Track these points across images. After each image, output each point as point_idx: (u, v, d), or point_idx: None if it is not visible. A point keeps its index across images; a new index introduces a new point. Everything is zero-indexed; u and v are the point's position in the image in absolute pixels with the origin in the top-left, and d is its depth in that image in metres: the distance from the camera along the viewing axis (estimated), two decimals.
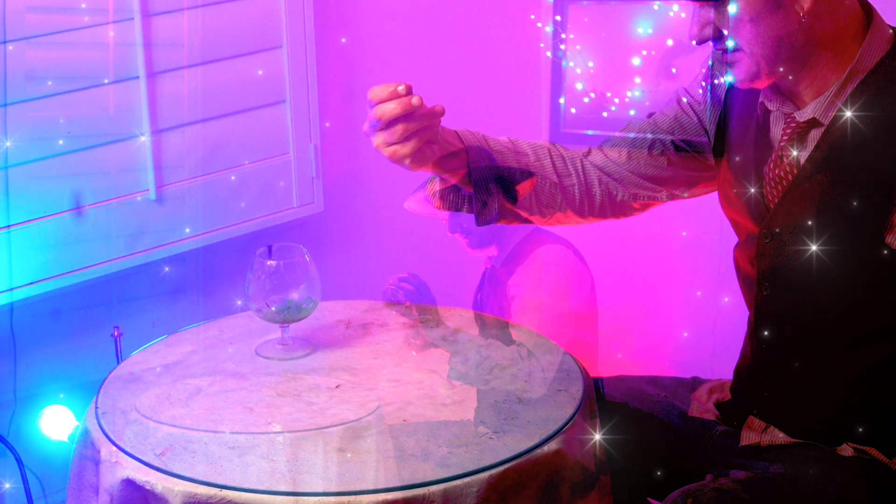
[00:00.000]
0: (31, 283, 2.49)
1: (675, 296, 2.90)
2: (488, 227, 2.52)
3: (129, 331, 2.45)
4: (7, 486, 2.48)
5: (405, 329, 1.87)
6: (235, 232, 2.86)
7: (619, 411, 1.73)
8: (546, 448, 1.41)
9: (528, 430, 1.45)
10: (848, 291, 1.50)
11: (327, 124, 3.03)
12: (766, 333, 1.60)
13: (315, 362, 1.71)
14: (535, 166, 1.65)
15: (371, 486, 1.30)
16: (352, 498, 1.29)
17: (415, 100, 1.40)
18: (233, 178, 2.83)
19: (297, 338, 1.78)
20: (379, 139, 1.43)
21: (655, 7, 2.69)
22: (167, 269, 2.72)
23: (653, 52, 2.67)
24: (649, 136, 1.70)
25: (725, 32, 1.46)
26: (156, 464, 1.36)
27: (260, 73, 2.85)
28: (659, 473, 1.71)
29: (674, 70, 2.62)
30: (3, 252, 2.43)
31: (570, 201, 1.70)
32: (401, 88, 1.40)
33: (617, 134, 1.73)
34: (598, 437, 1.56)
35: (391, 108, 1.39)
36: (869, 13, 1.48)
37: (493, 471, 1.35)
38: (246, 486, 1.31)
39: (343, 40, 3.01)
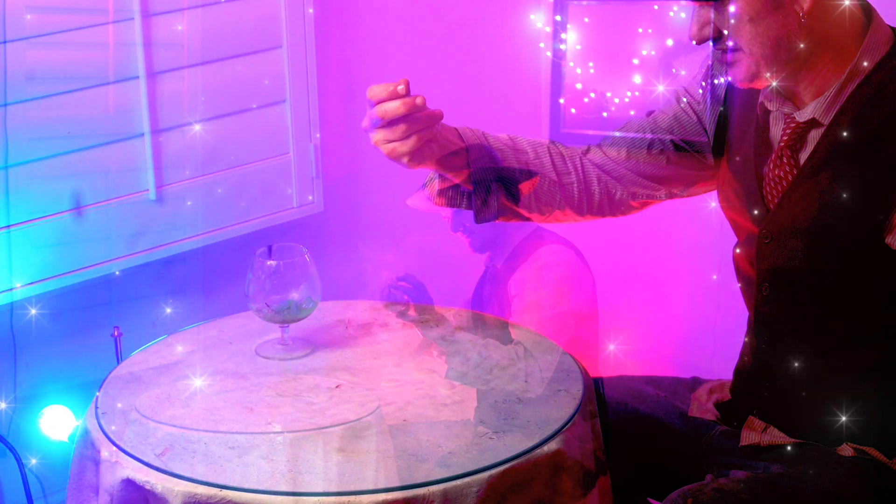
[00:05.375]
0: (31, 283, 2.49)
1: (675, 296, 2.90)
2: (490, 228, 2.54)
3: (129, 331, 2.45)
4: (6, 485, 2.48)
5: (405, 329, 1.87)
6: (235, 232, 2.86)
7: (619, 411, 1.73)
8: (546, 448, 1.41)
9: (528, 429, 1.44)
10: (848, 292, 1.50)
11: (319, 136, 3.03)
12: (765, 333, 1.60)
13: (315, 362, 1.71)
14: (535, 164, 1.66)
15: (371, 486, 1.30)
16: (352, 498, 1.29)
17: (419, 99, 1.40)
18: (233, 178, 2.83)
19: (297, 338, 1.78)
20: (379, 136, 1.43)
21: (655, 7, 2.69)
22: (167, 269, 2.72)
23: (653, 52, 2.67)
24: (648, 135, 1.70)
25: (725, 32, 1.46)
26: (156, 464, 1.37)
27: (260, 73, 2.85)
28: (659, 473, 1.71)
29: (674, 70, 2.62)
30: (3, 252, 2.43)
31: (569, 199, 1.70)
32: (400, 88, 1.40)
33: (616, 132, 1.73)
34: (597, 437, 1.56)
35: (394, 107, 1.39)
36: (868, 13, 1.48)
37: (493, 471, 1.35)
38: (246, 486, 1.31)
39: (359, 49, 3.01)
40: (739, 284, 1.69)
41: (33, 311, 2.52)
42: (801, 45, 1.45)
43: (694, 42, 1.51)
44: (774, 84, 1.52)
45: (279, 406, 1.54)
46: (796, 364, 1.57)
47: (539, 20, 2.87)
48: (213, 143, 2.77)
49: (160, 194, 2.68)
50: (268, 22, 2.85)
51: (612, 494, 1.56)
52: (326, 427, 1.47)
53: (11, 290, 2.46)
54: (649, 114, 1.74)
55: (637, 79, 2.68)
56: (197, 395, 1.58)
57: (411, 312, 1.96)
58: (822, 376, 1.55)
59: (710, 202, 1.77)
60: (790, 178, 1.52)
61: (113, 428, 1.47)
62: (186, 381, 1.64)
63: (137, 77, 2.58)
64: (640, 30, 2.69)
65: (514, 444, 1.41)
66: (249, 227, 2.89)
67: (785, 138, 1.53)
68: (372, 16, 3.12)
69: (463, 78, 3.04)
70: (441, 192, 1.65)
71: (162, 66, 2.62)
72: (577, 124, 2.90)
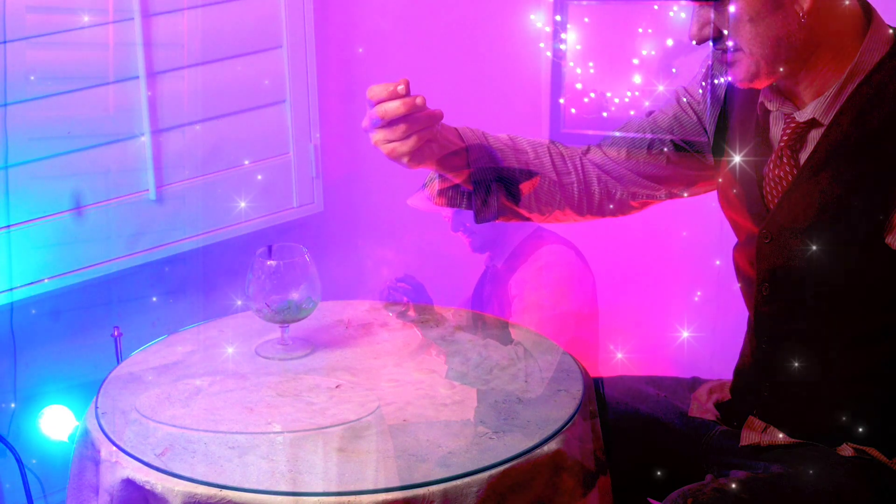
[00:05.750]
0: (31, 283, 2.49)
1: (675, 296, 2.90)
2: (491, 228, 2.54)
3: (129, 331, 2.45)
4: (7, 485, 2.48)
5: (405, 329, 1.87)
6: (235, 232, 2.86)
7: (619, 411, 1.73)
8: (546, 448, 1.41)
9: (527, 429, 1.45)
10: (848, 292, 1.50)
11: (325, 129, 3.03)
12: (765, 333, 1.60)
13: (315, 362, 1.71)
14: (535, 164, 1.66)
15: (371, 486, 1.30)
16: (352, 498, 1.29)
17: (419, 100, 1.40)
18: (233, 178, 2.83)
19: (297, 338, 1.78)
20: (379, 136, 1.43)
21: (655, 7, 2.69)
22: (167, 269, 2.72)
23: (653, 52, 2.67)
24: (648, 135, 1.70)
25: (725, 32, 1.46)
26: (156, 464, 1.37)
27: (260, 73, 2.85)
28: (659, 473, 1.71)
29: (674, 70, 2.62)
30: (3, 252, 2.43)
31: (569, 199, 1.70)
32: (400, 88, 1.40)
33: (616, 132, 1.73)
34: (597, 437, 1.56)
35: (395, 107, 1.39)
36: (869, 13, 1.48)
37: (493, 471, 1.35)
38: (246, 486, 1.31)
39: (360, 50, 3.02)
40: (739, 284, 1.69)
41: (33, 311, 2.52)
42: (801, 45, 1.45)
43: (694, 42, 1.51)
44: (774, 84, 1.52)
45: (279, 406, 1.54)
46: (796, 364, 1.57)
47: (539, 20, 2.87)
48: (213, 143, 2.77)
49: (160, 194, 2.68)
50: (268, 22, 2.85)
51: (612, 494, 1.56)
52: (326, 427, 1.47)
53: (11, 290, 2.46)
54: (649, 114, 1.74)
55: (637, 79, 2.68)
56: (197, 395, 1.58)
57: (411, 312, 1.96)
58: (822, 376, 1.55)
59: (711, 202, 1.77)
60: (790, 178, 1.52)
61: (113, 428, 1.47)
62: (186, 381, 1.63)
63: (137, 77, 2.58)
64: (640, 30, 2.69)
65: (514, 444, 1.41)
66: (249, 227, 2.89)
67: (785, 138, 1.53)
68: (372, 16, 3.12)
69: (463, 78, 3.04)
70: (441, 192, 1.65)
71: (162, 66, 2.62)
72: (577, 124, 2.90)
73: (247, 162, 2.86)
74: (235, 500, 1.30)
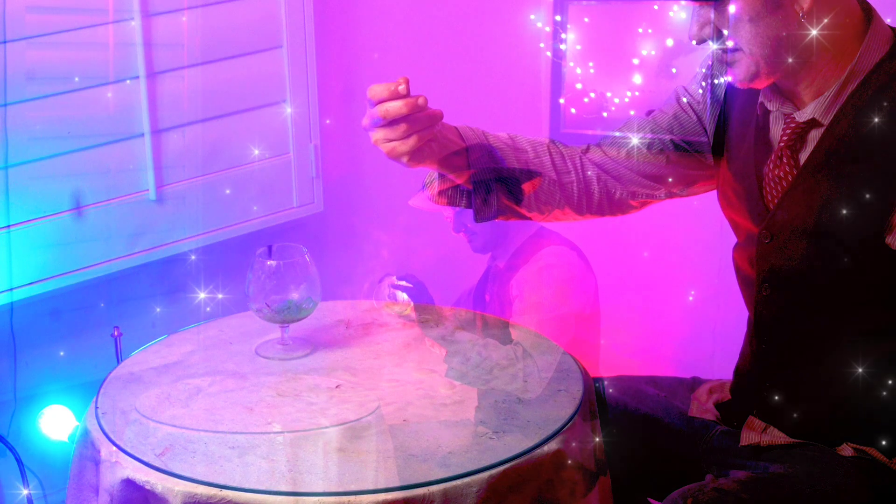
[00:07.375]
0: (31, 283, 2.49)
1: (675, 296, 2.90)
2: (493, 228, 2.54)
3: (129, 331, 2.45)
4: (6, 485, 2.48)
5: (405, 329, 1.87)
6: (235, 232, 2.86)
7: (619, 411, 1.73)
8: (546, 448, 1.41)
9: (527, 430, 1.45)
10: (847, 292, 1.50)
11: (328, 121, 3.03)
12: (765, 334, 1.60)
13: (315, 362, 1.71)
14: (535, 163, 1.66)
15: (371, 486, 1.30)
16: (352, 498, 1.29)
17: (420, 100, 1.40)
18: (233, 178, 2.83)
19: (297, 338, 1.78)
20: (379, 135, 1.43)
21: (655, 7, 2.69)
22: (167, 269, 2.72)
23: (653, 52, 2.67)
24: (648, 134, 1.70)
25: (725, 32, 1.46)
26: (156, 464, 1.37)
27: (260, 73, 2.85)
28: (659, 473, 1.71)
29: (674, 70, 2.62)
30: (3, 252, 2.43)
31: (569, 198, 1.70)
32: (401, 88, 1.39)
33: (616, 132, 1.73)
34: (597, 437, 1.56)
35: (396, 107, 1.39)
36: (868, 13, 1.48)
37: (493, 471, 1.35)
38: (246, 486, 1.31)
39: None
40: (739, 284, 1.69)
41: (33, 311, 2.52)
42: (801, 46, 1.45)
43: (694, 42, 1.51)
44: (774, 84, 1.52)
45: (279, 406, 1.54)
46: (796, 364, 1.57)
47: (539, 20, 2.87)
48: (213, 143, 2.77)
49: (160, 194, 2.68)
50: (268, 22, 2.85)
51: (612, 494, 1.56)
52: (326, 427, 1.47)
53: (11, 290, 2.46)
54: (649, 113, 1.74)
55: (637, 79, 2.68)
56: (197, 395, 1.58)
57: (411, 312, 1.96)
58: (821, 376, 1.55)
59: (711, 202, 1.77)
60: (790, 178, 1.52)
61: (113, 428, 1.47)
62: (186, 381, 1.64)
63: (137, 77, 2.58)
64: (640, 30, 2.69)
65: (514, 444, 1.41)
66: (249, 227, 2.89)
67: (785, 138, 1.53)
68: (372, 16, 3.12)
69: (463, 78, 3.04)
70: (441, 192, 1.65)
71: (162, 66, 2.62)
72: (577, 124, 2.90)
73: (247, 162, 2.86)
74: (235, 500, 1.30)
